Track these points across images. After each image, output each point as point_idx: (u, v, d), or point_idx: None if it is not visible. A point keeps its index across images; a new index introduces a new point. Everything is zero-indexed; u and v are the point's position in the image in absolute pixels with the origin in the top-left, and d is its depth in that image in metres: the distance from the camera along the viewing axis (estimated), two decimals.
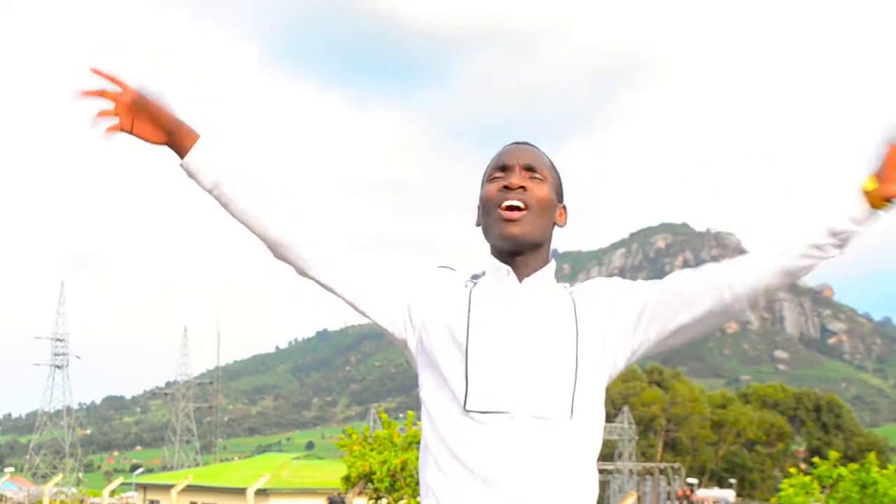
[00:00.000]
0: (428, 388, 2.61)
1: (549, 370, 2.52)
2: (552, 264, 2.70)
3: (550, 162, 2.76)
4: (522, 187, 2.60)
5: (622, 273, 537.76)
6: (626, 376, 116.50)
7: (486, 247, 2.74)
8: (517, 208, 2.59)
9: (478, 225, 2.73)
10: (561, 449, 2.51)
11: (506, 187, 2.61)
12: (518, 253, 2.62)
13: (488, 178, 2.69)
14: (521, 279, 2.63)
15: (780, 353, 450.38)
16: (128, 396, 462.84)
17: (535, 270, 2.65)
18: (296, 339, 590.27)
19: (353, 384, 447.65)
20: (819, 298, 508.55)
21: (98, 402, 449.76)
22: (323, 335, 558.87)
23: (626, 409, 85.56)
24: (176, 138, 2.57)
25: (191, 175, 2.60)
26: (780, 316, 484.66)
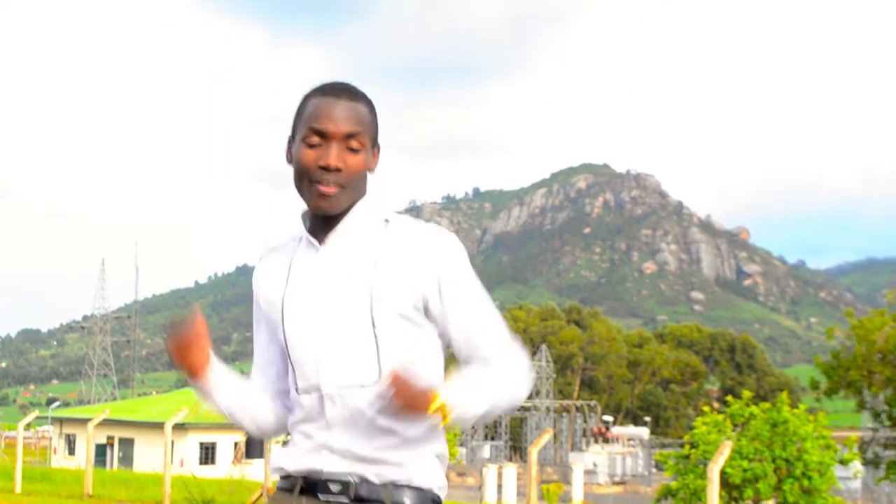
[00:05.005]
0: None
1: (347, 337, 2.47)
2: (358, 207, 2.57)
3: (368, 108, 2.56)
4: (339, 168, 2.47)
5: (543, 212, 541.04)
6: (545, 315, 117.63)
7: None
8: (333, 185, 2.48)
9: (289, 163, 2.58)
10: (373, 412, 2.43)
11: (323, 167, 2.46)
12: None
13: (305, 140, 2.50)
14: (323, 240, 2.55)
15: (696, 294, 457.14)
16: (44, 329, 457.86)
17: (334, 228, 2.56)
18: (215, 274, 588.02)
19: None
20: (735, 241, 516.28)
21: (13, 334, 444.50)
22: (243, 270, 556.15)
23: (544, 347, 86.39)
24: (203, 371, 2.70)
25: (204, 394, 2.72)
26: (696, 257, 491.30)
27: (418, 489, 2.49)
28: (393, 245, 2.52)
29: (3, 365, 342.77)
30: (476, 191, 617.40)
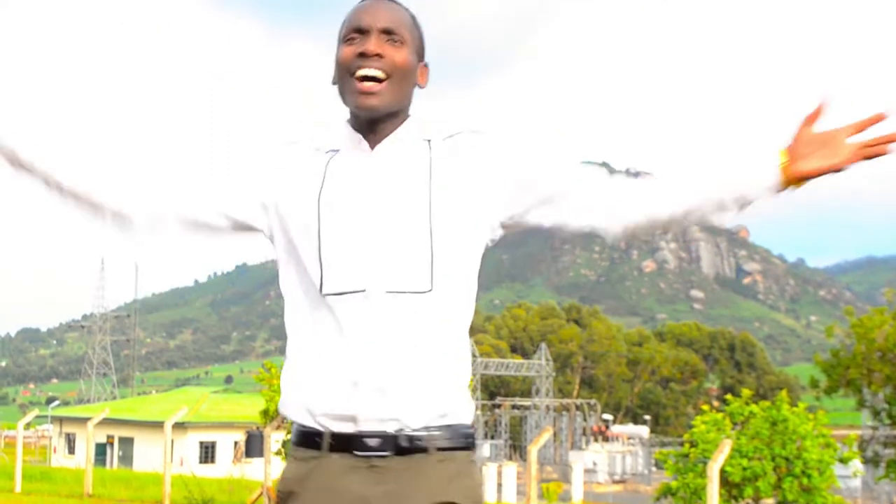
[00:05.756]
0: (288, 279, 2.44)
1: (401, 242, 2.32)
2: (408, 123, 2.47)
3: (411, 18, 2.51)
4: (379, 55, 2.37)
5: None
6: (545, 314, 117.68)
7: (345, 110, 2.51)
8: (374, 79, 2.37)
9: (334, 83, 2.50)
10: (420, 323, 2.31)
11: (362, 54, 2.37)
12: (375, 121, 2.41)
13: (343, 38, 2.44)
14: (374, 146, 2.42)
15: (695, 293, 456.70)
16: (43, 328, 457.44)
17: (388, 134, 2.44)
18: (215, 273, 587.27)
19: (273, 318, 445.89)
20: (735, 239, 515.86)
21: (13, 334, 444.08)
22: (242, 269, 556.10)
23: (543, 346, 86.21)
24: None
25: None
26: (696, 255, 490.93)
27: (454, 426, 2.36)
28: (448, 155, 2.42)
29: (3, 364, 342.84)
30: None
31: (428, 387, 2.31)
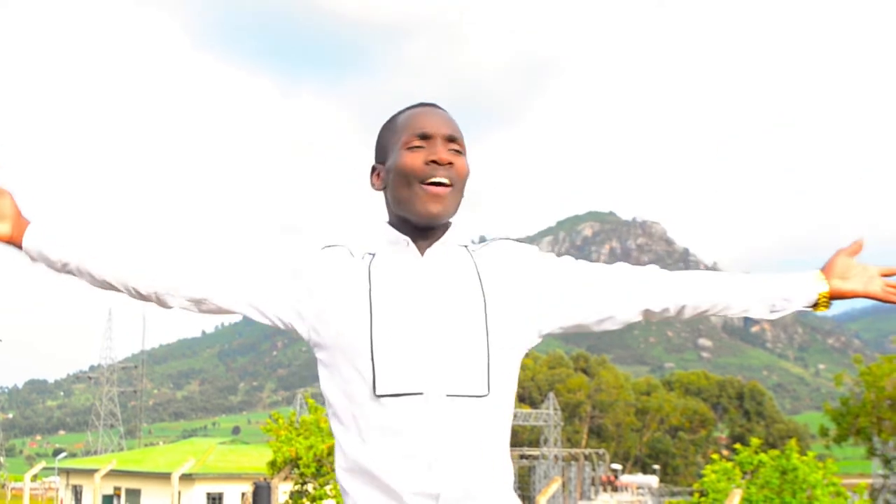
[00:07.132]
0: (331, 380, 2.41)
1: (460, 345, 2.33)
2: (452, 228, 2.51)
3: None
4: (451, 163, 2.42)
5: None
6: (553, 363, 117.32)
7: (383, 214, 2.56)
8: (444, 185, 2.40)
9: (379, 189, 2.54)
10: (480, 428, 2.31)
11: (434, 161, 2.40)
12: (429, 227, 2.45)
13: (407, 146, 2.44)
14: (422, 250, 2.44)
15: (703, 341, 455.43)
16: (51, 380, 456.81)
17: (437, 239, 2.46)
18: (222, 324, 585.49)
19: (280, 369, 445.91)
20: None
21: (20, 385, 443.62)
22: (249, 320, 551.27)
23: (551, 395, 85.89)
24: (16, 231, 2.51)
25: (37, 258, 2.52)
26: None
27: None
28: (490, 262, 2.49)
29: (10, 416, 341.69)
30: (482, 239, 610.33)
31: (489, 497, 2.32)
